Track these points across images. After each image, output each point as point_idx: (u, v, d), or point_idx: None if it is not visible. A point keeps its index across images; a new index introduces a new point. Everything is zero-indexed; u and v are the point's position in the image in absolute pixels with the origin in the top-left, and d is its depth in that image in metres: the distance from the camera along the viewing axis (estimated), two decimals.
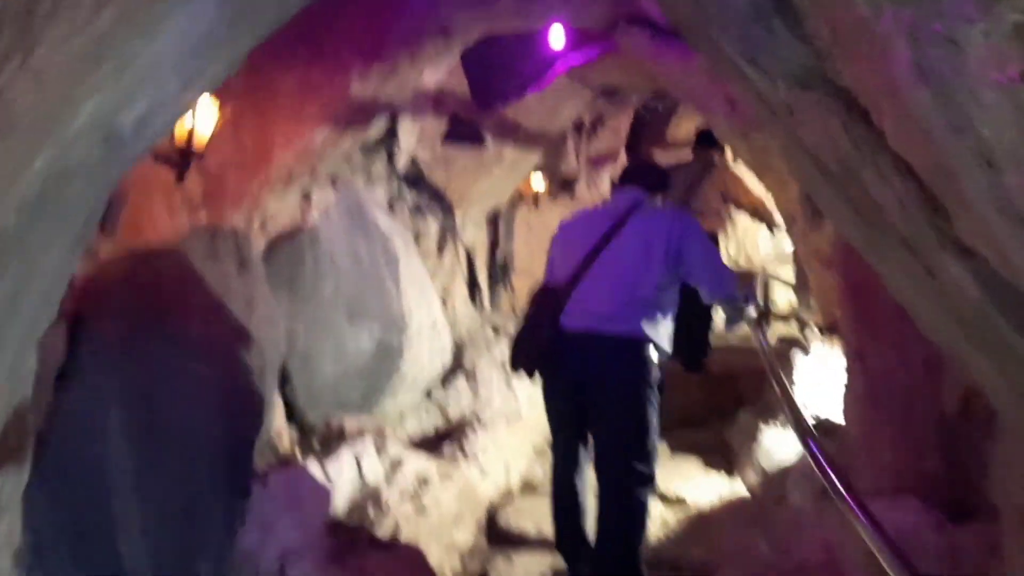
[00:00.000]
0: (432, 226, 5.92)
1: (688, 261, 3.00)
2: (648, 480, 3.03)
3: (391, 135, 4.68)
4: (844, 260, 3.28)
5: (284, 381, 4.15)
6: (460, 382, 5.34)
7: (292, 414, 4.27)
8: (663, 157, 9.04)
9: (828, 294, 4.97)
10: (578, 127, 8.04)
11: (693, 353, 6.05)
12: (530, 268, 7.49)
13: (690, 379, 5.49)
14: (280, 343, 3.96)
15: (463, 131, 5.76)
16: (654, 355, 3.01)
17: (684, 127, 8.88)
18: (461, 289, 6.02)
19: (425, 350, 4.94)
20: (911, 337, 2.54)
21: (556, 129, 6.27)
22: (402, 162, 4.94)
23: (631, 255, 3.01)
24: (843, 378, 3.50)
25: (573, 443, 3.17)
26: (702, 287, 3.05)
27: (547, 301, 3.08)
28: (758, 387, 5.57)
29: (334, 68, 3.66)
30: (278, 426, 4.06)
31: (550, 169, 7.82)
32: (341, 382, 4.42)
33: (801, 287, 5.29)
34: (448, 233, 5.97)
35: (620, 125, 8.34)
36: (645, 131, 8.95)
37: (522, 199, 7.60)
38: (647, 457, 3.00)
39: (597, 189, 8.48)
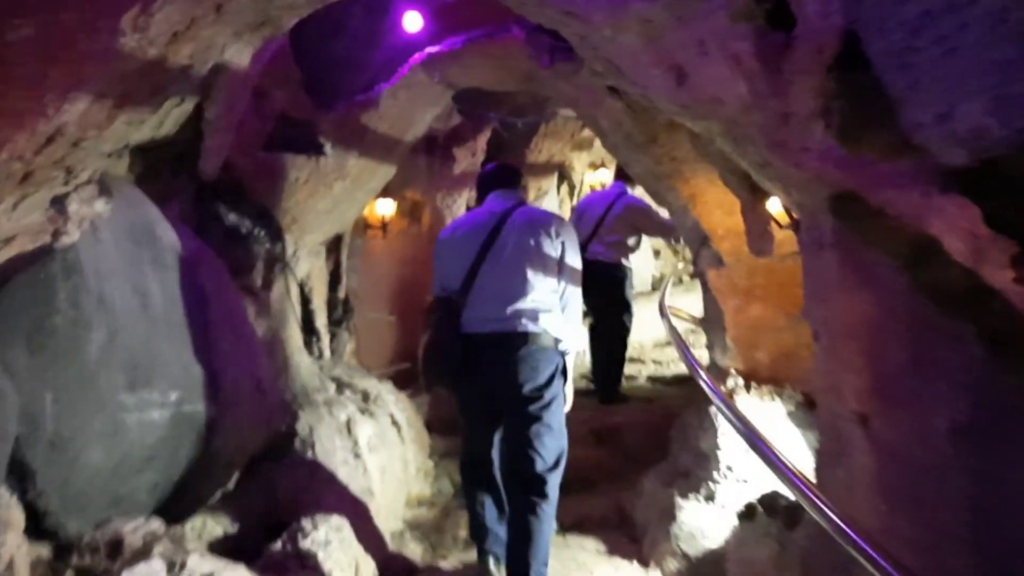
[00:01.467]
0: (255, 255, 4.67)
1: (564, 259, 3.21)
2: (555, 466, 3.15)
3: (194, 128, 3.44)
4: (830, 290, 2.41)
5: (22, 480, 2.79)
6: (293, 457, 4.09)
7: (39, 527, 2.90)
8: (523, 183, 8.18)
9: (751, 335, 4.17)
10: (430, 147, 7.02)
11: (607, 385, 6.38)
12: (378, 306, 6.32)
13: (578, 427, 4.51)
14: (9, 424, 2.62)
15: (295, 135, 4.58)
16: (553, 345, 3.14)
17: (546, 149, 8.06)
18: (294, 335, 4.77)
19: (244, 420, 3.68)
20: (932, 396, 1.94)
21: (410, 139, 5.19)
22: (210, 167, 3.68)
23: (518, 252, 3.14)
24: (819, 452, 2.63)
25: (488, 431, 3.32)
26: (567, 285, 3.22)
27: (445, 311, 3.18)
28: (660, 441, 4.69)
29: (94, 10, 2.43)
30: (10, 548, 2.68)
31: (400, 192, 6.72)
32: (118, 474, 3.09)
33: (713, 325, 4.47)
34: (277, 264, 4.73)
35: (477, 146, 7.40)
36: (503, 153, 8.05)
37: (367, 225, 6.45)
38: (557, 444, 3.16)
39: (452, 217, 7.46)
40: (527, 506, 3.06)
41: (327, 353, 5.17)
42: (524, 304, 3.08)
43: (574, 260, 3.26)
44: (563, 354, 3.22)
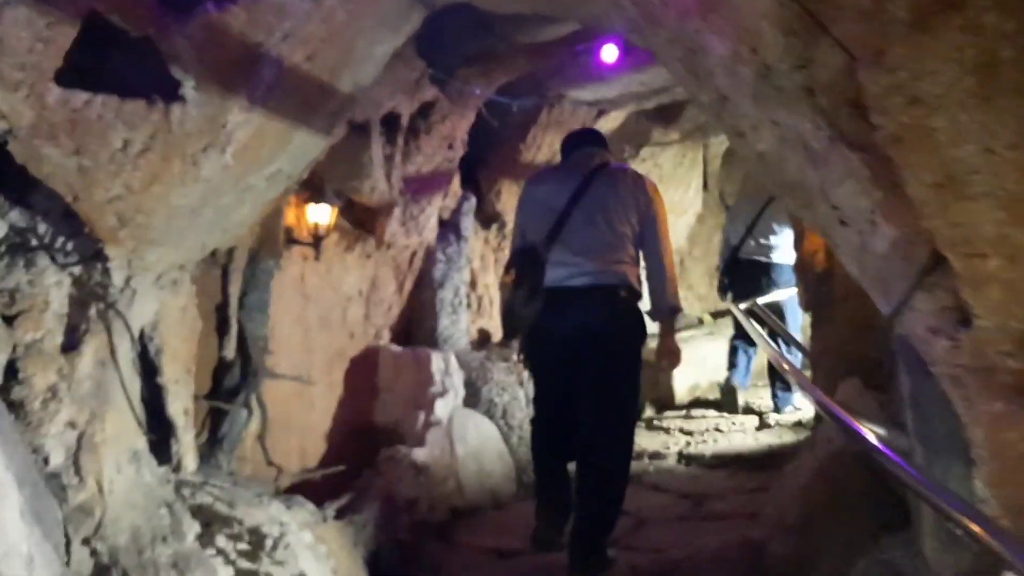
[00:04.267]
0: (51, 287, 2.50)
1: (645, 222, 3.19)
2: (633, 421, 3.38)
3: None
4: None
5: None
6: None
7: None
8: (514, 190, 6.07)
9: None
10: (390, 130, 4.88)
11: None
12: (303, 363, 4.15)
13: None
14: None
15: (123, 62, 2.43)
16: (637, 301, 3.20)
17: (547, 145, 5.96)
18: (125, 435, 2.58)
19: None
20: None
21: (348, 88, 3.03)
22: None
23: (605, 209, 3.14)
24: None
25: (564, 396, 3.25)
26: (647, 259, 3.24)
27: (530, 260, 3.11)
28: None
29: None
30: None
31: (343, 194, 4.56)
32: None
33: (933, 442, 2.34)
34: (92, 305, 2.55)
35: (454, 131, 5.28)
36: (490, 147, 5.94)
37: (289, 240, 4.28)
38: (634, 402, 3.33)
39: (418, 233, 5.31)
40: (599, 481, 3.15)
41: (190, 461, 2.94)
42: (610, 260, 3.10)
43: (662, 219, 3.23)
44: (649, 314, 3.23)
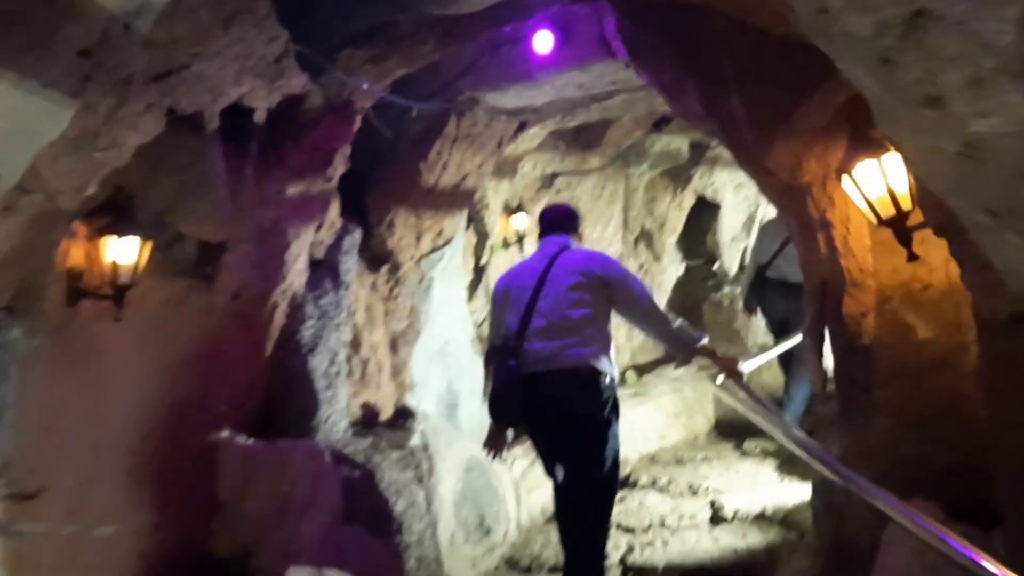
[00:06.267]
0: None
1: (613, 284, 3.21)
2: (612, 493, 3.31)
3: None
4: None
5: None
6: None
7: None
8: (412, 222, 4.71)
9: None
10: (240, 134, 3.47)
11: None
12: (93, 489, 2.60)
13: None
14: None
15: None
16: (607, 380, 3.18)
17: (454, 163, 4.63)
18: None
19: None
20: None
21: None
22: None
23: (563, 294, 3.20)
24: None
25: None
26: (633, 310, 3.25)
27: (503, 355, 3.22)
28: None
29: None
30: None
31: (164, 215, 3.10)
32: None
33: None
34: None
35: (332, 140, 3.88)
36: (382, 162, 4.56)
37: (75, 291, 2.77)
38: (613, 473, 3.24)
39: (281, 277, 3.87)
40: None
41: None
42: (570, 340, 3.14)
43: (627, 284, 3.26)
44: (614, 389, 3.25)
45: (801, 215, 2.88)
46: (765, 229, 6.40)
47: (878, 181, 2.18)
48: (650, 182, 7.59)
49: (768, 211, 8.41)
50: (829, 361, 3.20)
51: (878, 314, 2.60)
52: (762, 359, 4.26)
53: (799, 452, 2.72)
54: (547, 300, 3.21)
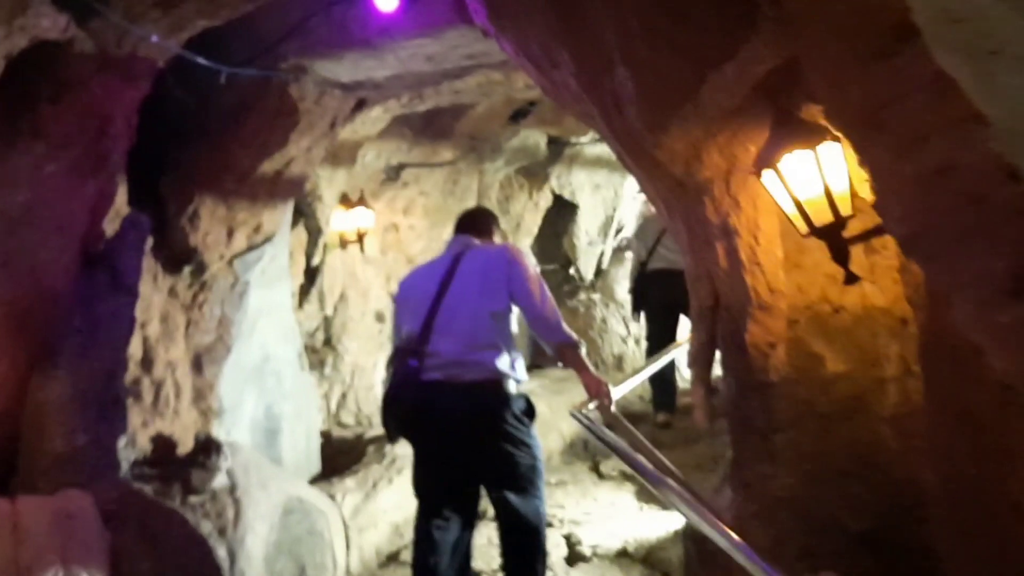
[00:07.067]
0: None
1: (511, 286, 3.10)
2: (539, 504, 3.14)
3: None
4: None
5: None
6: None
7: None
8: (222, 213, 3.88)
9: None
10: None
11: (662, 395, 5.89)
12: None
13: None
14: None
15: None
16: (512, 387, 3.07)
17: (276, 143, 3.84)
18: None
19: None
20: None
21: None
22: None
23: (468, 295, 3.10)
24: None
25: (445, 497, 3.15)
26: (526, 315, 3.11)
27: (402, 358, 3.12)
28: None
29: None
30: None
31: None
32: None
33: None
34: None
35: (111, 106, 3.03)
36: (186, 150, 3.70)
37: None
38: (534, 486, 3.10)
39: (33, 279, 2.97)
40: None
41: None
42: (473, 346, 3.03)
43: (525, 281, 3.12)
44: (523, 395, 3.16)
45: (693, 219, 2.36)
46: (641, 228, 6.41)
47: (812, 178, 1.67)
48: (505, 179, 7.05)
49: (628, 212, 8.17)
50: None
51: (790, 346, 2.10)
52: (635, 381, 3.85)
53: (682, 510, 2.22)
54: (449, 300, 3.10)
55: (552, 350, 3.12)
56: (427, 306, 3.11)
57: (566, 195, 7.56)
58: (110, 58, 2.91)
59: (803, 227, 1.75)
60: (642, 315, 5.85)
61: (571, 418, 5.88)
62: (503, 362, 3.03)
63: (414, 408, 3.03)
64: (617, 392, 3.24)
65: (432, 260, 3.54)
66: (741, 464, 2.39)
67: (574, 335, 3.08)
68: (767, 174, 1.78)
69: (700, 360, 2.60)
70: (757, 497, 2.34)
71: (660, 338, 5.52)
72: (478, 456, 3.05)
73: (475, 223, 3.51)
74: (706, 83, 1.91)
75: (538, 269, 4.11)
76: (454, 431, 3.02)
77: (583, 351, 3.06)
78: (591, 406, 3.01)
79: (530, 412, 3.16)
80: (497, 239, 3.49)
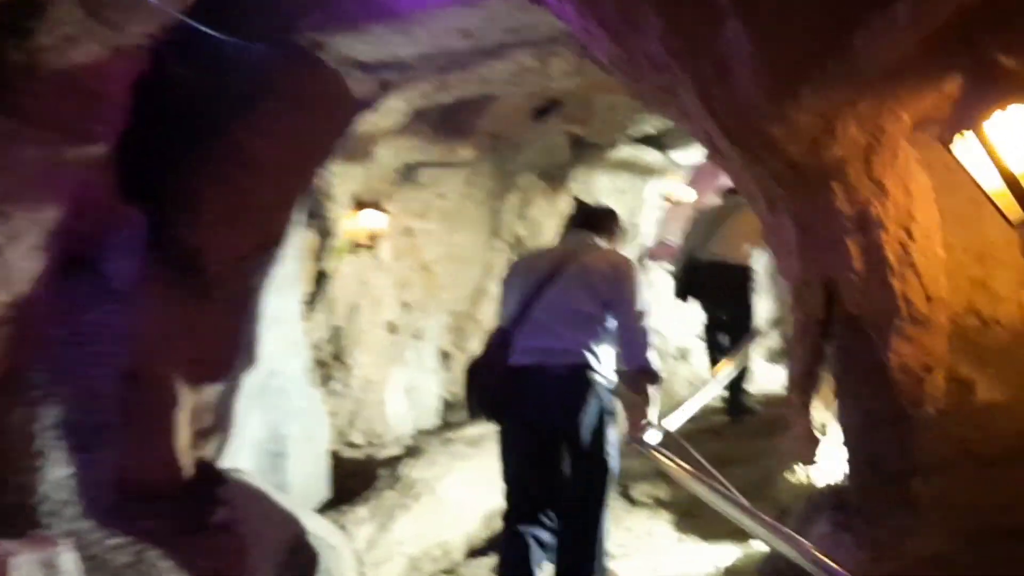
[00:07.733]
0: None
1: (614, 300, 3.13)
2: (605, 495, 3.19)
3: None
4: None
5: None
6: None
7: None
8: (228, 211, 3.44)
9: None
10: None
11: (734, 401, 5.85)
12: None
13: None
14: None
15: None
16: (602, 382, 3.12)
17: (290, 131, 3.41)
18: None
19: None
20: None
21: None
22: None
23: (571, 292, 3.15)
24: None
25: (534, 476, 3.16)
26: (618, 328, 3.14)
27: (497, 341, 3.19)
28: None
29: None
30: None
31: None
32: None
33: None
34: None
35: (99, 79, 2.60)
36: (188, 137, 3.26)
37: None
38: (608, 474, 3.17)
39: None
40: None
41: None
42: (569, 338, 3.10)
43: (629, 297, 3.15)
44: (611, 392, 3.19)
45: (810, 212, 1.91)
46: (697, 218, 6.45)
47: None
48: (525, 182, 6.61)
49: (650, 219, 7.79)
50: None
51: (950, 375, 1.66)
52: (685, 414, 3.67)
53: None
54: (552, 294, 3.13)
55: (628, 377, 3.13)
56: (529, 294, 3.15)
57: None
58: (98, 22, 2.47)
59: (1017, 212, 1.30)
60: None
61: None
62: (592, 358, 3.08)
63: (500, 389, 3.10)
64: (674, 421, 3.33)
65: (544, 249, 3.72)
66: (867, 514, 1.94)
67: (659, 368, 3.11)
68: (963, 141, 1.33)
69: (803, 384, 2.15)
70: (889, 557, 1.89)
71: (717, 321, 5.91)
72: (555, 446, 3.09)
73: (598, 221, 3.49)
74: (861, 28, 1.47)
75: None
76: (538, 416, 3.09)
77: (658, 387, 3.08)
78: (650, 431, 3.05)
79: (611, 416, 3.17)
80: (616, 243, 3.47)
